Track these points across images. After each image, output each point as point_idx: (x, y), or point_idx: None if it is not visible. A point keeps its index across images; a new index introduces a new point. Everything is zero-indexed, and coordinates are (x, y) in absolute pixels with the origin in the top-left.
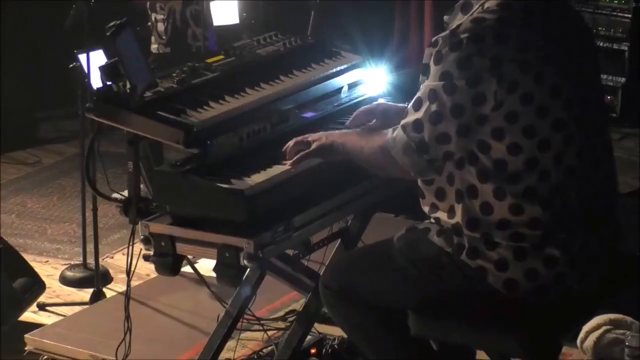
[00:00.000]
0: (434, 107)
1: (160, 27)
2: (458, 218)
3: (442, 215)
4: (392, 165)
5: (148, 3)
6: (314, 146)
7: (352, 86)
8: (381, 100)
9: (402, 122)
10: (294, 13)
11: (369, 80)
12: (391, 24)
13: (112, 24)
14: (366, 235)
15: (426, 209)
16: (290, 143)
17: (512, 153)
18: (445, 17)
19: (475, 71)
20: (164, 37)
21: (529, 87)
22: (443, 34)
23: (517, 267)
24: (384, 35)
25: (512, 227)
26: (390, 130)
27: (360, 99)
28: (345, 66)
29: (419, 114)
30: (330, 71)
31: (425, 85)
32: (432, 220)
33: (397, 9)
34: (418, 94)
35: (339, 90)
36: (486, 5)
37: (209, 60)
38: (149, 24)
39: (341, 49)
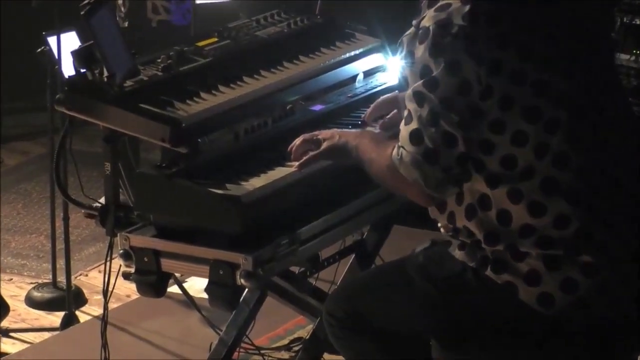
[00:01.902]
0: (425, 109)
1: None
2: (476, 235)
3: (462, 235)
4: (402, 184)
5: None
6: (324, 146)
7: (368, 74)
8: None
9: (400, 140)
10: None
11: (389, 66)
12: (414, 1)
13: (87, 1)
14: (384, 250)
15: (443, 232)
16: (297, 141)
17: (518, 144)
18: (414, 22)
19: (451, 56)
20: (122, 10)
21: (515, 63)
22: (407, 32)
23: (550, 278)
24: (406, 15)
25: (536, 231)
26: (395, 147)
27: (378, 88)
28: (360, 50)
29: (413, 125)
30: (343, 56)
31: (408, 94)
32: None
33: None
34: (405, 109)
35: (354, 78)
36: None
37: (199, 44)
38: None
39: (356, 30)
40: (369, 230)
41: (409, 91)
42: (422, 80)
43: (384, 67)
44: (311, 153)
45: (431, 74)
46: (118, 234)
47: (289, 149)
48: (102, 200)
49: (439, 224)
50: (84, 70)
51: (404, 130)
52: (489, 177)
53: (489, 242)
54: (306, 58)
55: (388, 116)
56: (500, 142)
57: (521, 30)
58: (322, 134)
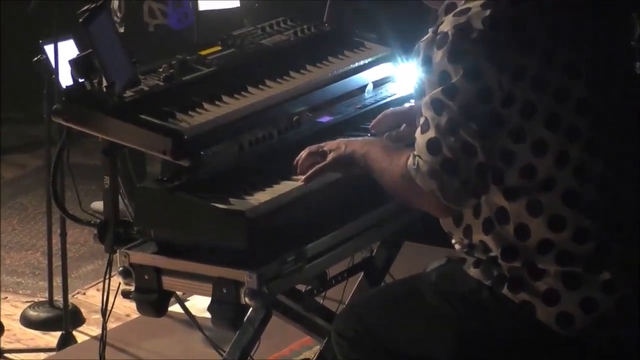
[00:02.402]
0: (444, 117)
1: (115, 2)
2: (493, 251)
3: (477, 251)
4: (417, 194)
5: None
6: (330, 157)
7: (378, 84)
8: (413, 102)
9: (416, 150)
10: None
11: (399, 77)
12: (427, 8)
13: (85, 7)
14: (395, 268)
15: (458, 247)
16: (303, 154)
17: (538, 153)
18: (431, 29)
19: (471, 62)
20: (118, 15)
21: (538, 69)
22: (425, 37)
23: (569, 297)
24: (417, 23)
25: (555, 246)
26: (411, 157)
27: (388, 99)
28: (369, 60)
29: (431, 133)
30: (352, 66)
31: (425, 101)
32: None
33: None
34: (421, 117)
35: (362, 89)
36: None
37: (202, 52)
38: None
39: (365, 38)
40: (378, 247)
41: (427, 98)
42: (440, 88)
43: (394, 77)
44: (317, 166)
45: (450, 80)
46: (117, 251)
47: (294, 162)
48: (101, 215)
49: (453, 240)
50: (82, 79)
51: (421, 138)
52: (508, 190)
53: (506, 258)
54: (313, 67)
55: (399, 130)
56: (520, 151)
57: (544, 35)
58: (328, 145)
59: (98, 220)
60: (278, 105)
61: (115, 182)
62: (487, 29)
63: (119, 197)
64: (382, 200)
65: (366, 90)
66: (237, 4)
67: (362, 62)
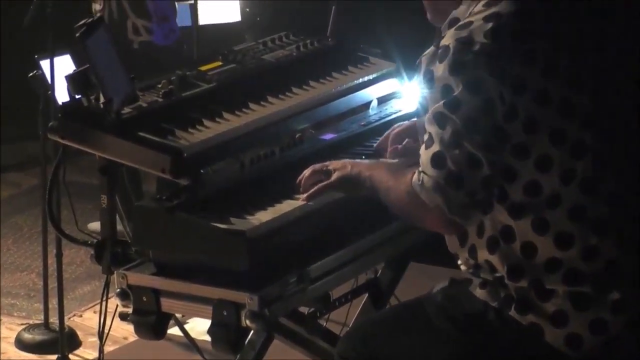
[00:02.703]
0: (448, 131)
1: None
2: (499, 271)
3: (483, 274)
4: (422, 211)
5: None
6: (335, 176)
7: (383, 100)
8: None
9: (421, 166)
10: (309, 8)
11: (405, 93)
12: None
13: (82, 21)
14: (400, 289)
15: (464, 269)
16: (307, 172)
17: (542, 169)
18: (433, 45)
19: (472, 74)
20: None
21: (541, 82)
22: (426, 51)
23: (578, 318)
24: (422, 37)
25: (563, 265)
26: (416, 173)
27: (393, 116)
28: (374, 75)
29: (435, 148)
30: (356, 82)
31: (428, 117)
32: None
33: None
34: (425, 132)
35: (367, 105)
36: (474, 10)
37: (202, 68)
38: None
39: (369, 54)
40: (383, 268)
41: (429, 113)
42: (442, 101)
43: (399, 93)
44: (321, 184)
45: (452, 93)
46: (115, 272)
47: (297, 180)
48: (98, 234)
49: (459, 261)
50: (79, 96)
51: (425, 154)
52: (512, 207)
53: (513, 278)
54: (316, 83)
55: (405, 144)
56: (524, 168)
57: (547, 47)
58: (333, 164)
59: (95, 240)
60: (280, 122)
61: (113, 201)
62: (489, 41)
63: (117, 216)
64: (387, 219)
65: (371, 107)
66: (238, 18)
67: (366, 78)
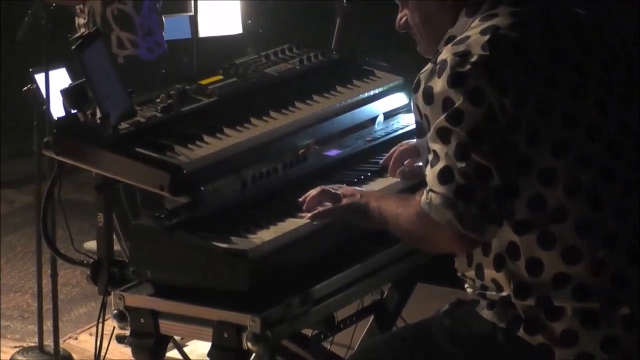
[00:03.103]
0: (452, 144)
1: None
2: (505, 289)
3: (490, 294)
4: (435, 231)
5: (70, 4)
6: (345, 202)
7: (389, 115)
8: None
9: (428, 184)
10: (313, 20)
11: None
12: None
13: (78, 34)
14: (407, 311)
15: (470, 291)
16: (314, 191)
17: (546, 182)
18: (430, 62)
19: (472, 84)
20: None
21: (542, 92)
22: (424, 69)
23: (589, 337)
24: None
25: (571, 280)
26: (424, 193)
27: (400, 131)
28: (380, 89)
29: (441, 164)
30: (362, 96)
31: (431, 134)
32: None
33: None
34: (429, 152)
35: (373, 120)
36: (471, 25)
37: (202, 82)
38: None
39: (375, 67)
40: (389, 289)
41: (432, 131)
42: (444, 115)
43: (406, 108)
44: (329, 207)
45: (453, 105)
46: (111, 293)
47: (303, 197)
48: (95, 254)
49: (466, 284)
50: (75, 110)
51: (431, 172)
52: (517, 223)
53: (519, 296)
54: (320, 98)
55: (411, 163)
56: (527, 181)
57: (547, 58)
58: (343, 189)
59: (91, 260)
60: (283, 138)
61: (110, 220)
62: (487, 53)
63: (114, 235)
64: (394, 239)
65: (377, 122)
66: (240, 30)
67: (372, 92)
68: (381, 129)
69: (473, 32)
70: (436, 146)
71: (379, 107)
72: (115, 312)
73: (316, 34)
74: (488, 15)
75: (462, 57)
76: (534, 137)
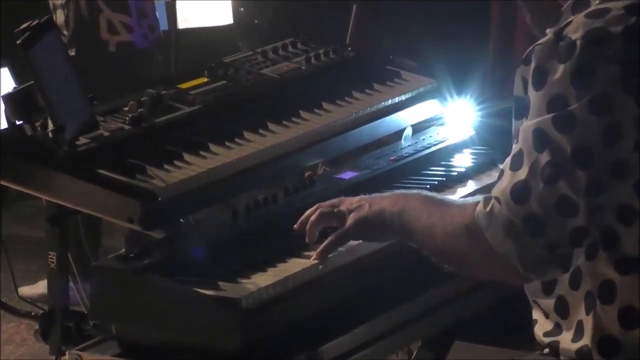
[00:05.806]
0: (545, 158)
1: (60, 16)
2: (586, 339)
3: (564, 338)
4: (484, 256)
5: None
6: (351, 220)
7: (419, 129)
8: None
9: (495, 190)
10: (321, 9)
11: (448, 118)
12: (483, 29)
13: (24, 25)
14: None
15: (541, 332)
16: (313, 217)
17: None
18: (549, 30)
19: (602, 88)
20: (65, 33)
21: None
22: (542, 40)
23: None
24: (471, 47)
25: None
26: (482, 200)
27: (434, 149)
28: (408, 96)
29: (522, 174)
30: (384, 104)
31: (525, 128)
32: (546, 350)
33: (495, 8)
34: (515, 146)
35: (398, 135)
36: None
37: (182, 86)
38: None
39: (401, 67)
40: (419, 348)
41: (529, 123)
42: (551, 114)
43: (441, 119)
44: (333, 234)
45: (566, 107)
46: (66, 352)
47: (299, 223)
48: (45, 304)
49: (535, 313)
50: (21, 121)
51: (507, 177)
52: (621, 259)
53: (604, 353)
54: (332, 106)
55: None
56: None
57: None
58: (345, 203)
59: (40, 312)
60: (285, 158)
61: (64, 260)
62: (630, 44)
63: (69, 279)
64: (425, 284)
65: (403, 137)
66: (230, 20)
67: (397, 99)
68: (409, 146)
69: (616, 5)
70: (526, 146)
71: (406, 118)
72: None
73: (326, 25)
74: None
75: (596, 44)
76: None
